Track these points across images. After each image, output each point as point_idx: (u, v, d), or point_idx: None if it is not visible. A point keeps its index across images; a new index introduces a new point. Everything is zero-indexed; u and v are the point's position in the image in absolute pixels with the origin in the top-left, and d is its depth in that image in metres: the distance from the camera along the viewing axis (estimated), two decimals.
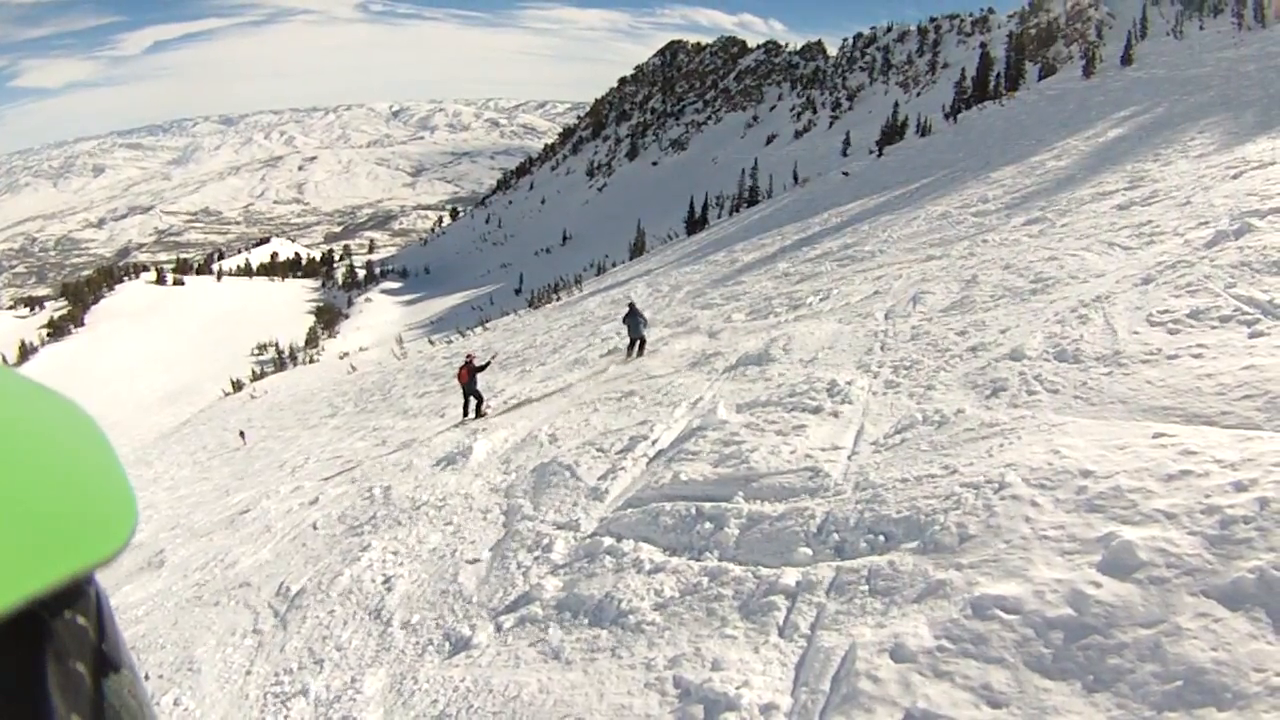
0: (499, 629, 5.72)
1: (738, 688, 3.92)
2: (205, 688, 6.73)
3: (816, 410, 7.50)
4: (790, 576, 4.69)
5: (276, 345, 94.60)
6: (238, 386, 69.24)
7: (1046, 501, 4.29)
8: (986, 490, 4.62)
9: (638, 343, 15.25)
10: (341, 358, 71.22)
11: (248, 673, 6.70)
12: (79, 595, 0.49)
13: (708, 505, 6.09)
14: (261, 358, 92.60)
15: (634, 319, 15.25)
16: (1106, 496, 4.13)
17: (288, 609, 7.76)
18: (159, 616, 9.40)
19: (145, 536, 16.77)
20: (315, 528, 10.60)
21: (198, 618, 8.63)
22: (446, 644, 5.81)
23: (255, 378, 73.71)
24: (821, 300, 13.24)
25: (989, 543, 4.14)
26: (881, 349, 8.99)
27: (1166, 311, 6.97)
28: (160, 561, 12.65)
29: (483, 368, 15.40)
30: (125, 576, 12.64)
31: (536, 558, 6.66)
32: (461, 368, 15.01)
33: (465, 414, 15.23)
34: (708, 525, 5.81)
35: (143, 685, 0.55)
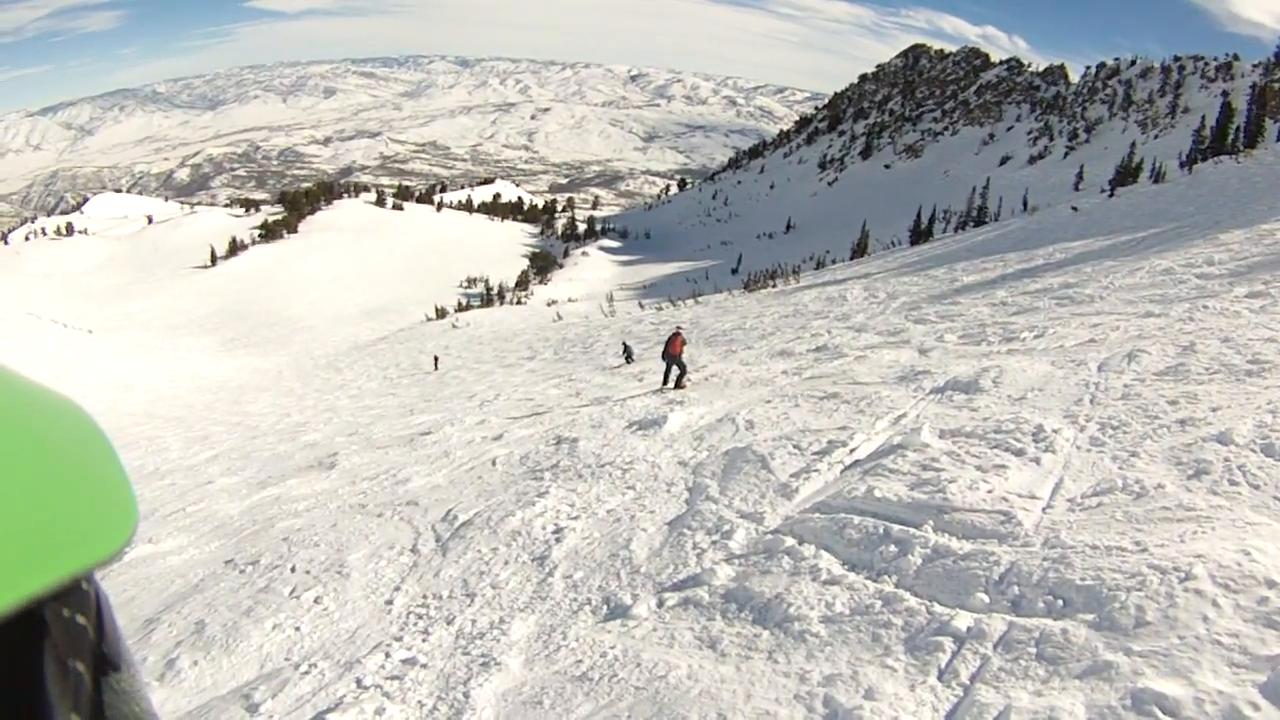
0: (660, 604, 5.60)
1: None
2: (350, 593, 6.97)
3: (1019, 453, 7.10)
4: (963, 620, 4.48)
5: (486, 282, 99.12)
6: (441, 314, 73.21)
7: (1227, 604, 3.98)
8: (1172, 578, 4.31)
9: (630, 357, 23.43)
10: (549, 305, 74.10)
11: (396, 589, 6.87)
12: (78, 595, 0.51)
13: (896, 527, 5.85)
14: (469, 291, 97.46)
15: (629, 350, 23.61)
16: None
17: (450, 536, 7.97)
18: (319, 515, 9.95)
19: (321, 437, 17.96)
20: (494, 464, 10.93)
21: (358, 525, 9.04)
22: (604, 607, 5.74)
23: (460, 309, 77.77)
24: (1036, 337, 12.71)
25: (1163, 634, 3.89)
26: (1091, 402, 8.44)
27: None
28: (332, 464, 13.43)
29: (685, 342, 15.85)
30: (294, 470, 13.53)
31: (714, 542, 6.50)
32: (674, 337, 15.43)
33: (665, 383, 15.62)
34: (892, 548, 5.58)
35: (144, 684, 0.58)
